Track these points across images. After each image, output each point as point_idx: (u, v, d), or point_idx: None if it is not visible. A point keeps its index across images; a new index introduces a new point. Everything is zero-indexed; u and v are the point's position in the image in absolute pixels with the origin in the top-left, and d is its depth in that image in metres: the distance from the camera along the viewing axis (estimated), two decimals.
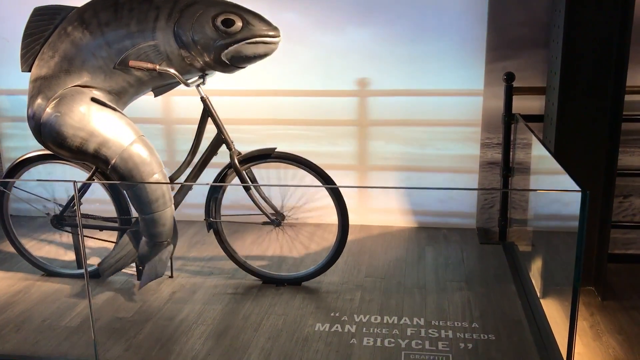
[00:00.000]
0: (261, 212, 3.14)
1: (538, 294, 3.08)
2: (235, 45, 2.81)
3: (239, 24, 2.80)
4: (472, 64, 3.85)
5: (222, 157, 3.16)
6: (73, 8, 2.96)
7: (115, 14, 2.86)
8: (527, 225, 3.83)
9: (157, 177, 2.93)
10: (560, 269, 2.84)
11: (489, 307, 3.04)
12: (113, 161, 2.86)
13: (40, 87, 2.92)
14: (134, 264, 3.27)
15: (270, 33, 2.85)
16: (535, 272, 3.26)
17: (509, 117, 3.64)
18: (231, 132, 3.13)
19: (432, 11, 3.82)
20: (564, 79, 3.07)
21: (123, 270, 3.50)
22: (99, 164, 2.91)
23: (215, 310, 3.06)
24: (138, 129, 2.97)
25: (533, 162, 3.49)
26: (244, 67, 2.95)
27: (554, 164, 2.64)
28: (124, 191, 3.04)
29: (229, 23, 2.79)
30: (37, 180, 3.34)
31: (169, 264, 3.39)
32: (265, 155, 3.10)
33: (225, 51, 2.83)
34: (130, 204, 3.08)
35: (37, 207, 3.44)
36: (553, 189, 2.87)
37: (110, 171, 2.90)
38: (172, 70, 2.86)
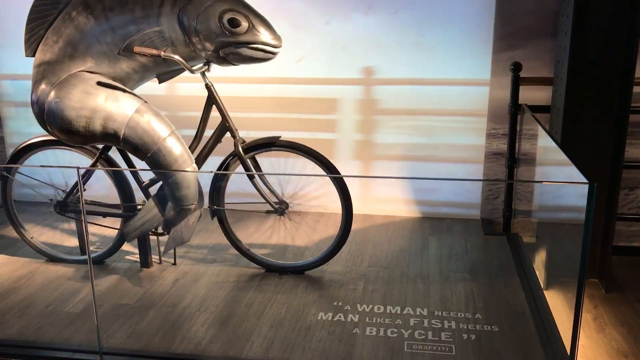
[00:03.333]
0: (265, 201, 3.13)
1: (542, 286, 3.07)
2: (235, 46, 2.80)
3: (244, 25, 2.79)
4: (479, 54, 3.82)
5: (226, 144, 3.14)
6: None
7: None
8: (531, 216, 3.81)
9: (169, 137, 2.89)
10: (565, 261, 2.83)
11: (493, 298, 3.04)
12: (122, 133, 2.84)
13: (44, 72, 2.90)
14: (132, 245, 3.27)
15: (273, 43, 2.84)
16: (539, 263, 3.25)
17: (516, 108, 3.62)
18: (235, 119, 3.11)
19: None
20: (572, 69, 3.04)
21: (127, 257, 3.52)
22: (111, 140, 2.89)
23: (218, 298, 3.06)
24: (139, 96, 2.94)
25: (539, 153, 3.47)
26: (237, 65, 2.94)
27: (561, 155, 2.62)
28: (144, 160, 2.99)
29: (235, 23, 2.78)
30: (41, 166, 3.33)
31: (192, 229, 3.36)
32: (270, 144, 3.09)
33: (225, 49, 2.81)
34: (150, 170, 3.03)
35: (40, 192, 3.43)
36: (560, 181, 2.85)
37: (123, 144, 2.87)
38: (176, 57, 2.84)
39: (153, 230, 3.24)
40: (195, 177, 3.00)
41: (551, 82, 3.50)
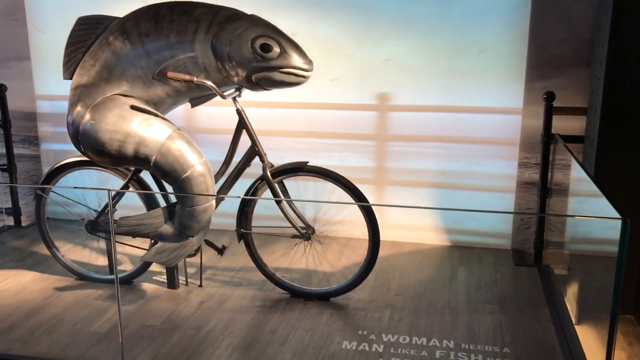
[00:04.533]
0: (291, 226, 3.13)
1: (573, 320, 2.99)
2: (267, 71, 2.84)
3: (276, 50, 2.83)
4: (511, 82, 3.79)
5: (255, 168, 3.17)
6: (115, 18, 3.02)
7: (155, 25, 2.90)
8: (563, 248, 3.73)
9: (198, 167, 2.93)
10: (598, 295, 2.75)
11: (522, 331, 2.96)
12: (153, 158, 2.88)
13: (80, 94, 2.98)
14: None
15: (304, 67, 2.88)
16: (570, 297, 3.17)
17: (548, 137, 3.56)
18: (264, 143, 3.13)
19: (471, 27, 3.77)
20: (606, 100, 2.99)
21: (154, 277, 3.55)
22: (141, 164, 2.94)
23: (242, 322, 3.05)
24: (173, 123, 2.99)
25: (572, 184, 3.41)
26: (269, 90, 2.98)
27: (594, 188, 2.57)
28: (172, 185, 3.01)
29: (266, 48, 2.82)
30: (74, 187, 3.40)
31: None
32: (297, 169, 3.10)
33: (257, 74, 2.85)
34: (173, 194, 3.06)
35: (72, 211, 3.50)
36: (591, 216, 2.79)
37: (153, 169, 2.92)
38: (209, 83, 2.89)
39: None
40: (210, 213, 3.03)
41: (585, 112, 3.45)
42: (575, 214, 3.38)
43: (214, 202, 3.04)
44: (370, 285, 3.45)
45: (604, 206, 2.31)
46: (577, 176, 3.18)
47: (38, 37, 4.44)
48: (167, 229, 3.07)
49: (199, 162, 2.93)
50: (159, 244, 3.08)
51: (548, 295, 3.36)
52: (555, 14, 3.64)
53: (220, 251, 3.34)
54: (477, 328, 3.00)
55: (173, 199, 3.27)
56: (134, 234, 3.15)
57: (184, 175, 2.89)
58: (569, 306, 3.13)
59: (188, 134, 3.00)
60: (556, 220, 3.78)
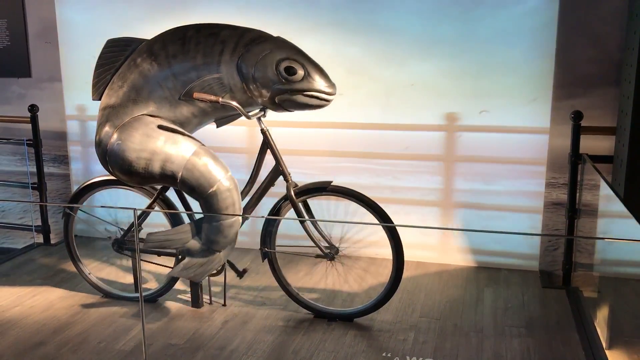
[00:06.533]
0: (315, 245, 3.12)
1: (603, 345, 2.92)
2: (290, 94, 2.87)
3: (300, 73, 2.86)
4: (538, 101, 3.75)
5: (279, 187, 3.18)
6: (143, 40, 3.08)
7: (182, 47, 2.95)
8: (593, 270, 3.65)
9: (224, 182, 2.95)
10: (629, 318, 2.69)
11: (550, 355, 2.90)
12: (180, 175, 2.91)
13: (108, 115, 3.03)
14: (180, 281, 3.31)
15: (327, 90, 2.90)
16: (601, 320, 3.09)
17: (576, 157, 3.51)
18: (289, 163, 3.15)
19: (497, 46, 3.76)
20: (636, 120, 2.94)
21: (179, 296, 3.57)
22: (168, 181, 2.97)
23: (265, 342, 3.04)
24: (197, 139, 3.02)
25: (601, 205, 3.34)
26: (291, 111, 3.00)
27: (623, 209, 2.52)
28: (199, 201, 3.03)
29: (291, 71, 2.85)
30: (101, 206, 3.46)
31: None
32: (321, 189, 3.10)
33: (280, 95, 2.88)
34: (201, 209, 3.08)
35: (100, 229, 3.54)
36: (619, 238, 2.73)
37: (180, 186, 2.96)
38: (234, 103, 2.92)
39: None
40: (237, 228, 3.04)
41: (614, 132, 3.39)
42: (604, 236, 3.31)
43: (240, 219, 3.05)
44: (394, 306, 3.42)
45: (634, 227, 2.26)
46: (606, 197, 3.12)
47: (69, 59, 4.55)
48: (194, 244, 3.07)
49: (225, 177, 2.95)
50: (186, 260, 3.09)
51: (577, 318, 3.29)
52: (583, 32, 3.61)
53: (240, 274, 3.34)
54: (503, 352, 2.94)
55: (198, 217, 3.30)
56: (162, 250, 3.17)
57: (210, 190, 2.91)
58: (599, 330, 3.06)
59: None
60: (585, 241, 3.71)
